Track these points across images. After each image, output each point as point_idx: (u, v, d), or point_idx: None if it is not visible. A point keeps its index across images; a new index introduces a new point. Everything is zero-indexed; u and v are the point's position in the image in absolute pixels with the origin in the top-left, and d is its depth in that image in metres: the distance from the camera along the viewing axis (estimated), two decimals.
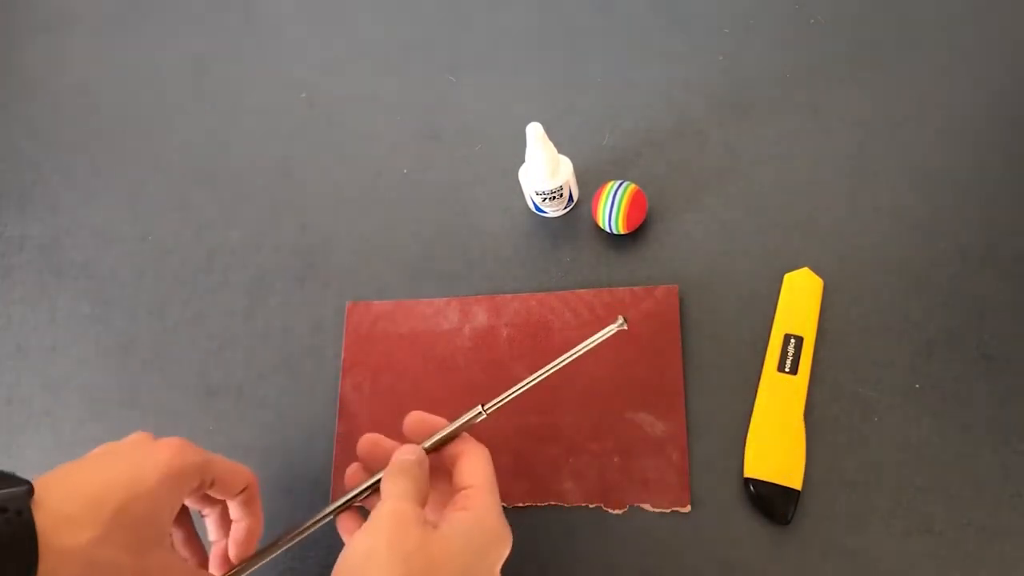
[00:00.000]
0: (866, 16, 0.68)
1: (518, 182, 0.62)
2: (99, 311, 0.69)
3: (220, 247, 0.69)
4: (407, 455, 0.44)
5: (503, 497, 0.57)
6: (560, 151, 0.60)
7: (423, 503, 0.41)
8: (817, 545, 0.52)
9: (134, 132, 0.76)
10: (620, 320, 0.49)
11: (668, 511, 0.54)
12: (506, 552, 0.41)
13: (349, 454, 0.59)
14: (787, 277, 0.59)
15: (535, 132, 0.56)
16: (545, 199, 0.62)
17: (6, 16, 0.87)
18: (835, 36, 0.68)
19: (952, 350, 0.56)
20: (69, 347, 0.67)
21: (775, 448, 0.54)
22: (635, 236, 0.63)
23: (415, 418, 0.48)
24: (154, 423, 0.63)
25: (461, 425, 0.48)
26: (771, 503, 0.53)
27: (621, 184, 0.60)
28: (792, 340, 0.56)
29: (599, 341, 0.49)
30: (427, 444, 0.47)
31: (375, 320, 0.63)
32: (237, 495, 0.48)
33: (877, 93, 0.65)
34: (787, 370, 0.56)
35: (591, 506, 0.55)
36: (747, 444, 0.55)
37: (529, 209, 0.65)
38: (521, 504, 0.56)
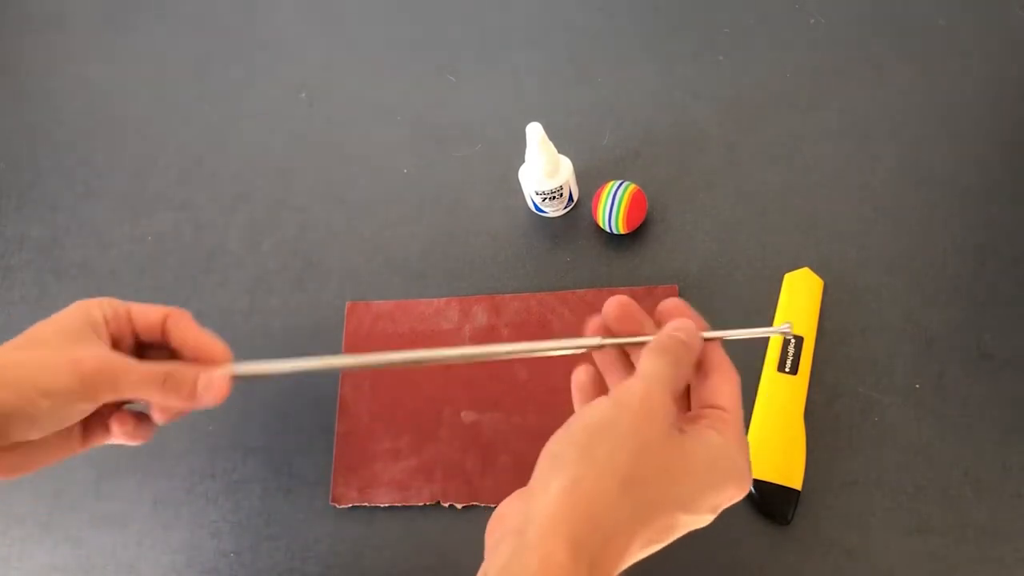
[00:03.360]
0: (866, 16, 0.68)
1: (518, 182, 0.62)
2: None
3: (220, 247, 0.69)
4: (680, 333, 0.37)
5: (503, 497, 0.57)
6: (560, 151, 0.60)
7: (676, 397, 0.36)
8: (817, 545, 0.52)
9: (134, 132, 0.76)
10: (787, 325, 0.42)
11: None
12: (739, 497, 0.36)
13: (349, 454, 0.59)
14: (787, 277, 0.59)
15: (535, 132, 0.56)
16: (545, 199, 0.62)
17: (5, 15, 0.86)
18: (835, 36, 0.68)
19: (952, 350, 0.56)
20: None
21: (775, 448, 0.54)
22: (635, 236, 0.63)
23: (671, 304, 0.40)
24: None
25: (760, 331, 0.41)
26: (771, 503, 0.53)
27: (621, 184, 0.60)
28: (792, 340, 0.56)
29: (763, 335, 0.43)
30: (707, 335, 0.39)
31: (375, 320, 0.63)
32: (165, 329, 0.45)
33: (877, 93, 0.65)
34: (787, 370, 0.56)
35: None
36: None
37: (529, 209, 0.65)
38: None
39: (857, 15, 0.68)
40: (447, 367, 0.61)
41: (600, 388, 0.41)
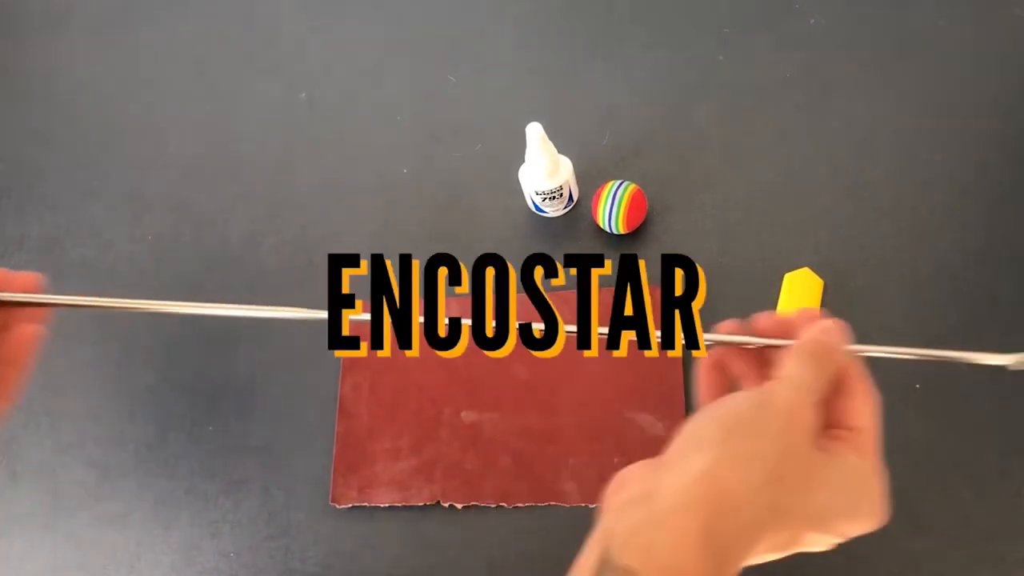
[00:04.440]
0: (866, 16, 0.68)
1: (518, 182, 0.62)
2: (99, 311, 0.68)
3: (220, 247, 0.69)
4: (830, 337, 0.36)
5: (503, 497, 0.57)
6: (560, 151, 0.60)
7: (819, 407, 0.34)
8: None
9: (134, 132, 0.76)
10: (1017, 359, 0.39)
11: None
12: (871, 528, 0.34)
13: (349, 454, 0.59)
14: (787, 277, 0.59)
15: (535, 132, 0.56)
16: (545, 199, 0.62)
17: (7, 16, 0.86)
18: (835, 36, 0.68)
19: (952, 350, 0.56)
20: (69, 347, 0.67)
21: None
22: (635, 236, 0.63)
23: (812, 313, 0.38)
24: (154, 423, 0.63)
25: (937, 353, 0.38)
26: None
27: (621, 184, 0.60)
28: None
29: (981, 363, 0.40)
30: (861, 350, 0.37)
31: None
32: None
33: (877, 93, 0.65)
34: None
35: (591, 506, 0.55)
36: None
37: (529, 209, 0.65)
38: (521, 504, 0.56)
39: (857, 15, 0.68)
40: (448, 367, 0.61)
41: (721, 383, 0.40)
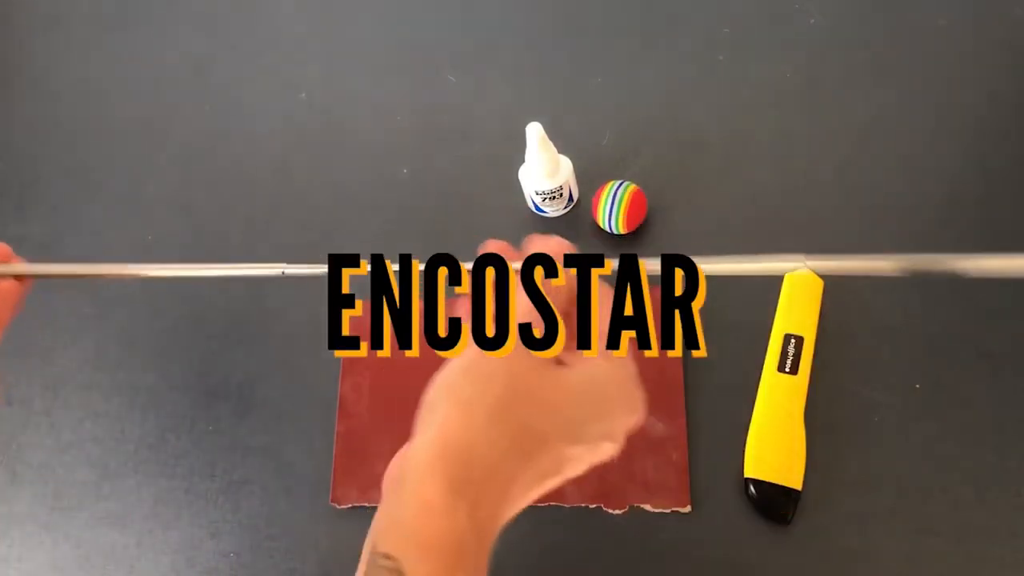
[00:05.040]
0: (866, 16, 0.68)
1: (518, 182, 0.62)
2: (99, 311, 0.69)
3: (220, 247, 0.69)
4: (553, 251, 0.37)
5: None
6: (560, 151, 0.60)
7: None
8: (817, 545, 0.52)
9: (134, 132, 0.76)
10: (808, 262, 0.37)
11: (668, 511, 0.54)
12: (633, 423, 0.35)
13: (349, 454, 0.59)
14: (787, 277, 0.59)
15: (535, 132, 0.56)
16: (545, 199, 0.62)
17: (6, 16, 0.86)
18: (835, 36, 0.68)
19: (952, 350, 0.56)
20: (69, 347, 0.67)
21: (775, 448, 0.54)
22: (635, 236, 0.63)
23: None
24: (154, 423, 0.63)
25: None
26: (771, 503, 0.53)
27: (621, 184, 0.60)
28: (792, 340, 0.56)
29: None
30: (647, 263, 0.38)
31: None
32: None
33: (877, 93, 0.65)
34: (787, 370, 0.56)
35: (591, 506, 0.55)
36: (747, 444, 0.55)
37: (529, 209, 0.65)
38: None
39: (857, 15, 0.68)
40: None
41: None
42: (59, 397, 0.66)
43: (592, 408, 0.34)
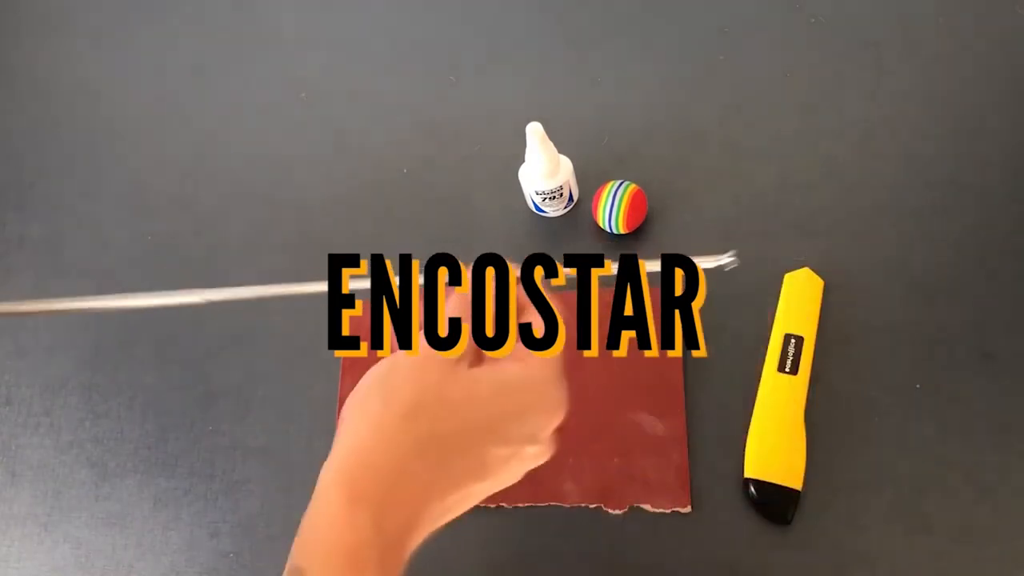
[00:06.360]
0: (866, 16, 0.68)
1: (518, 182, 0.62)
2: (99, 311, 0.68)
3: (220, 247, 0.69)
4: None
5: (502, 497, 0.57)
6: (560, 151, 0.60)
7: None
8: (817, 545, 0.52)
9: (134, 132, 0.76)
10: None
11: (668, 511, 0.54)
12: (553, 421, 0.35)
13: None
14: (787, 277, 0.59)
15: (535, 132, 0.56)
16: (545, 199, 0.62)
17: (6, 16, 0.86)
18: (835, 36, 0.68)
19: (952, 350, 0.56)
20: (69, 347, 0.67)
21: (775, 448, 0.54)
22: (635, 236, 0.63)
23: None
24: (154, 423, 0.63)
25: None
26: (771, 503, 0.53)
27: (621, 184, 0.60)
28: (792, 340, 0.56)
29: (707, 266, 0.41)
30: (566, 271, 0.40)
31: None
32: None
33: (876, 93, 0.65)
34: (787, 370, 0.56)
35: (591, 506, 0.55)
36: (747, 444, 0.55)
37: (529, 209, 0.65)
38: (521, 504, 0.56)
39: (857, 15, 0.68)
40: None
41: None
42: (59, 397, 0.66)
43: (507, 408, 0.34)
